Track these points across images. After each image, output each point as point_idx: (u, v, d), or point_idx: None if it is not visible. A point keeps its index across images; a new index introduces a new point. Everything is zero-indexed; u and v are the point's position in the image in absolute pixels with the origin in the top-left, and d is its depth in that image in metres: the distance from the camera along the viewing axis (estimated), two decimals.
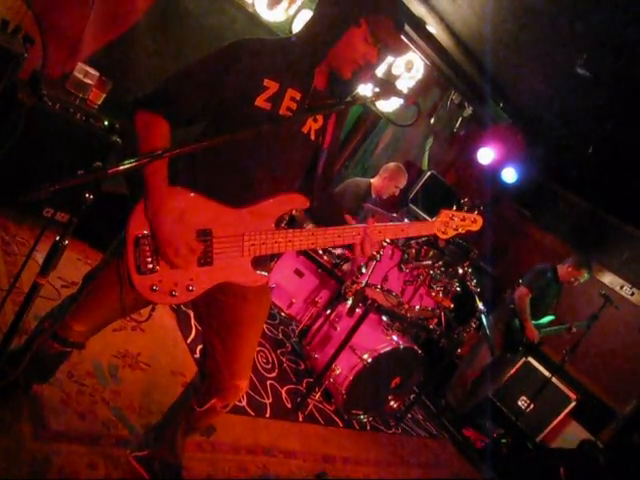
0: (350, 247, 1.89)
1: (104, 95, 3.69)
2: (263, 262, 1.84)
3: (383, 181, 4.90)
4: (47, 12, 3.60)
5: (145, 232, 1.65)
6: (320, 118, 1.82)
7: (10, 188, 3.21)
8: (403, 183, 4.95)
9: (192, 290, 1.72)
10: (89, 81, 3.61)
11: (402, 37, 1.81)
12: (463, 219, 1.99)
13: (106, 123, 3.50)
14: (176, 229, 1.63)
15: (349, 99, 1.74)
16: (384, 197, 4.95)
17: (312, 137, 1.81)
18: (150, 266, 1.67)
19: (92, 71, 3.63)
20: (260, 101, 1.67)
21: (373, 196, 4.94)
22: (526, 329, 4.96)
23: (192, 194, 1.68)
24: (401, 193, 5.13)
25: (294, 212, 3.55)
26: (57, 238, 1.36)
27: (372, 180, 4.98)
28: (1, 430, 1.98)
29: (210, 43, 4.12)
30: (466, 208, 2.02)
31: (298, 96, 1.73)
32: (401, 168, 4.94)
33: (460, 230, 2.00)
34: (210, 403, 1.99)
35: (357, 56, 1.71)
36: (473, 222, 2.02)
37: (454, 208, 2.01)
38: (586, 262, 5.07)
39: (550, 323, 5.18)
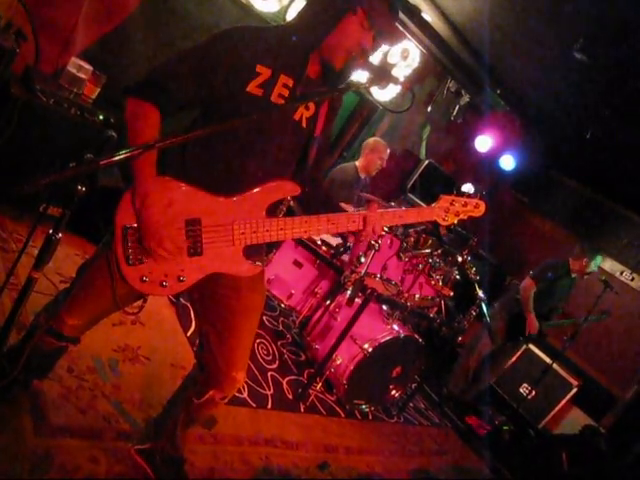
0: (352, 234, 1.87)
1: (98, 89, 3.67)
2: (257, 252, 1.83)
3: (366, 157, 4.94)
4: (39, 7, 3.57)
5: (134, 223, 1.63)
6: (312, 106, 1.81)
7: (4, 184, 3.20)
8: (386, 153, 4.97)
9: (183, 280, 1.71)
10: (83, 75, 3.59)
11: (397, 24, 1.81)
12: (464, 204, 1.94)
13: (101, 117, 3.48)
14: (162, 221, 1.60)
15: (343, 86, 1.72)
16: (373, 173, 4.99)
17: (303, 124, 1.80)
18: (139, 257, 1.65)
19: (86, 65, 3.61)
20: (252, 87, 1.66)
21: (362, 177, 4.96)
22: (527, 321, 4.96)
23: (181, 184, 1.67)
24: (398, 180, 5.13)
25: (291, 203, 3.54)
26: (50, 231, 1.35)
27: (356, 163, 5.00)
28: (1, 426, 1.98)
29: (203, 34, 4.03)
30: (467, 194, 1.97)
31: (290, 83, 1.71)
32: (379, 140, 4.99)
33: (462, 216, 1.94)
34: (208, 395, 1.99)
35: (352, 43, 1.71)
36: (475, 207, 1.96)
37: (454, 193, 1.96)
38: (594, 247, 5.05)
39: (555, 316, 5.18)
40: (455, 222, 1.97)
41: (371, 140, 5.03)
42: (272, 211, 1.79)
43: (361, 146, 5.11)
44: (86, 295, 1.81)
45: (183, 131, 1.31)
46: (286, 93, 1.71)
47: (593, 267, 4.99)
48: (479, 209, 1.97)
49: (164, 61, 1.67)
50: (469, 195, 1.97)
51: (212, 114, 1.70)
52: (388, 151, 4.99)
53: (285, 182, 1.77)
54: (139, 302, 1.87)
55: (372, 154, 4.91)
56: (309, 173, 1.89)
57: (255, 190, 1.73)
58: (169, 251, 1.63)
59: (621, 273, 6.03)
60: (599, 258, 5.01)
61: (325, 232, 1.80)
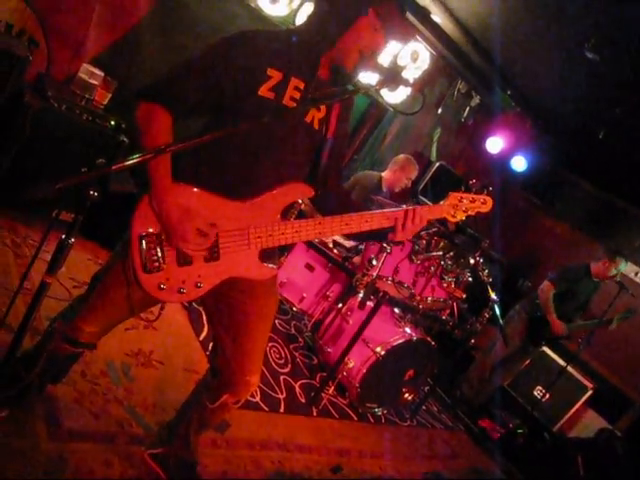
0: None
1: (110, 95, 3.70)
2: (271, 255, 1.83)
3: (394, 174, 4.87)
4: (50, 14, 3.61)
5: (150, 230, 1.64)
6: (323, 107, 1.81)
7: (18, 190, 3.23)
8: (414, 174, 4.92)
9: (200, 286, 1.71)
10: (94, 82, 3.62)
11: (406, 22, 1.82)
12: (472, 201, 1.94)
13: (112, 123, 3.51)
14: (183, 216, 1.61)
15: (353, 88, 1.72)
16: (396, 190, 4.92)
17: (315, 126, 1.80)
18: (156, 264, 1.65)
19: (97, 71, 3.64)
20: (264, 90, 1.66)
21: (384, 190, 4.91)
22: (551, 323, 4.92)
23: (195, 190, 1.67)
24: (412, 184, 5.10)
25: (303, 206, 3.54)
26: (63, 236, 1.35)
27: (383, 174, 4.95)
28: (16, 430, 1.99)
29: (213, 39, 4.07)
30: (474, 190, 1.97)
31: (302, 85, 1.72)
32: (411, 159, 4.91)
33: (470, 212, 1.94)
34: (222, 399, 1.99)
35: (363, 45, 1.72)
36: (483, 203, 1.96)
37: (462, 190, 1.96)
38: (618, 250, 5.01)
39: (577, 319, 5.14)
40: (463, 218, 1.97)
41: (402, 157, 4.93)
42: (286, 214, 1.79)
43: (373, 146, 5.07)
44: (102, 303, 1.82)
45: (195, 136, 1.31)
46: (298, 96, 1.71)
47: (615, 272, 4.93)
48: (487, 205, 1.98)
49: (175, 64, 1.68)
50: (477, 191, 1.98)
51: (224, 118, 1.70)
52: (417, 171, 4.94)
53: (298, 185, 1.78)
54: (156, 308, 1.88)
55: (401, 172, 4.84)
56: (322, 175, 1.88)
57: (269, 193, 1.73)
58: (193, 243, 1.63)
59: (635, 274, 5.96)
60: (623, 263, 4.95)
61: (339, 233, 1.80)
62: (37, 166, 3.29)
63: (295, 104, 1.71)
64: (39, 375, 1.97)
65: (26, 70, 3.28)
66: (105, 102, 3.68)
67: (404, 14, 1.78)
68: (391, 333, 3.90)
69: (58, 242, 1.37)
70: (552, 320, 4.91)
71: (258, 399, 3.21)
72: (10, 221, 3.30)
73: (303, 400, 3.60)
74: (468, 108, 6.07)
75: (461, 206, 1.94)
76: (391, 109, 5.73)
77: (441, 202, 1.95)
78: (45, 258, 1.42)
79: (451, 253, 3.98)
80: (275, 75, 1.67)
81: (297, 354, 4.13)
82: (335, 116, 1.85)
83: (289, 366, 3.89)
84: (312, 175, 1.88)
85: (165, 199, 1.61)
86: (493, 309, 4.20)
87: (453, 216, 1.94)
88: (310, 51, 1.73)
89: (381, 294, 3.65)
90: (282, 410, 3.32)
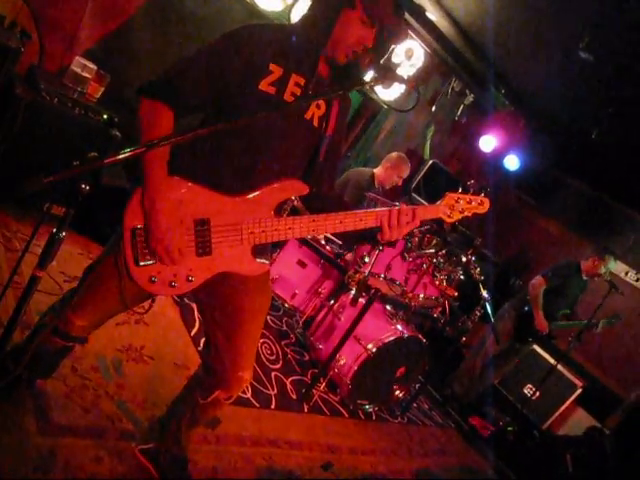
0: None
1: (102, 88, 3.67)
2: (264, 251, 1.82)
3: (386, 171, 4.89)
4: (43, 6, 3.58)
5: (142, 224, 1.63)
6: (323, 105, 1.80)
7: (9, 184, 3.20)
8: (406, 172, 4.94)
9: (192, 280, 1.70)
10: (87, 75, 3.60)
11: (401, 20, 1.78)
12: (469, 202, 1.92)
13: (105, 117, 3.48)
14: (171, 226, 1.61)
15: (347, 84, 1.70)
16: (387, 187, 4.95)
17: (315, 123, 1.79)
18: (148, 257, 1.65)
19: (90, 64, 3.62)
20: (264, 85, 1.66)
21: (376, 186, 4.93)
22: (535, 319, 4.95)
23: (190, 184, 1.66)
24: (403, 182, 5.11)
25: (295, 203, 3.53)
26: (54, 230, 1.34)
27: (375, 170, 4.96)
28: (6, 425, 1.98)
29: (207, 33, 4.09)
30: (472, 190, 1.95)
31: (302, 82, 1.71)
32: (403, 158, 4.92)
33: (467, 213, 1.92)
34: (214, 395, 1.99)
35: (353, 40, 1.69)
36: (480, 204, 1.93)
37: (459, 191, 1.95)
38: (608, 249, 5.04)
39: (563, 317, 5.17)
40: (459, 218, 1.96)
41: (394, 155, 4.96)
42: (279, 210, 1.79)
43: (366, 143, 5.08)
44: (94, 296, 1.81)
45: (191, 130, 1.30)
46: (298, 92, 1.71)
47: (604, 270, 4.96)
48: (483, 206, 1.96)
49: (178, 61, 1.66)
50: (474, 192, 1.96)
51: (223, 112, 1.69)
52: (408, 170, 4.96)
53: (293, 181, 1.77)
54: (147, 302, 1.87)
55: (392, 170, 4.87)
56: (318, 172, 1.88)
57: (264, 189, 1.72)
58: (174, 259, 1.63)
59: (626, 274, 6.00)
60: (612, 261, 4.99)
61: (333, 230, 1.78)
62: (28, 159, 3.26)
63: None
64: (29, 369, 1.96)
65: (18, 62, 3.25)
66: (98, 95, 3.65)
67: (400, 11, 1.76)
68: (383, 330, 3.91)
69: (49, 236, 1.35)
70: (537, 316, 4.95)
71: (249, 395, 3.21)
72: (0, 215, 3.28)
73: (294, 396, 3.60)
74: (462, 106, 6.07)
75: (458, 207, 1.92)
76: (385, 106, 5.73)
77: (437, 202, 1.93)
78: (36, 252, 1.41)
79: (443, 251, 3.99)
80: (276, 70, 1.67)
81: (288, 350, 4.13)
82: (335, 114, 1.84)
83: (280, 362, 3.88)
84: (308, 172, 1.87)
85: (156, 202, 1.59)
86: (485, 307, 4.21)
87: (449, 216, 1.92)
88: (309, 47, 1.72)
89: (373, 291, 3.65)
90: (273, 406, 3.31)
